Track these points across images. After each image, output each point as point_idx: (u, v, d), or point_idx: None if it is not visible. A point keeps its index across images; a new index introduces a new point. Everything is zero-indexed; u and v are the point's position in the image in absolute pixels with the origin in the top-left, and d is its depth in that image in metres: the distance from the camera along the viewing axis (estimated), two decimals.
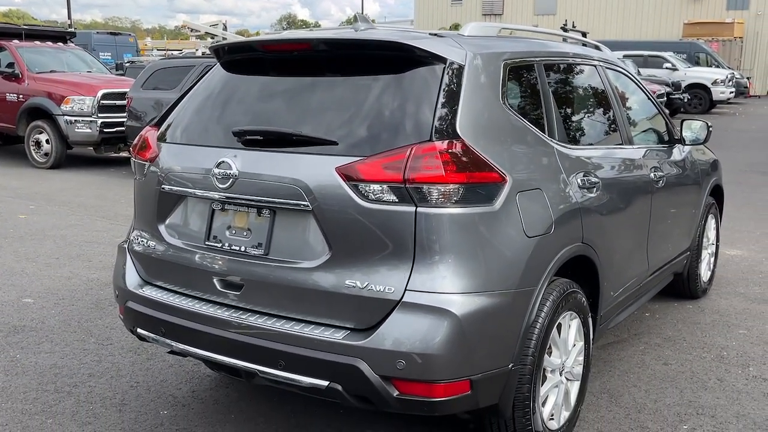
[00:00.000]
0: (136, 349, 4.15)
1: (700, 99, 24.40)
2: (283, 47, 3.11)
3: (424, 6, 47.94)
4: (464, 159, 2.58)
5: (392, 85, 2.73)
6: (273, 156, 2.78)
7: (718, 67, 27.26)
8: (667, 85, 20.63)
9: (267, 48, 3.13)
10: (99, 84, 11.43)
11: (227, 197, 2.85)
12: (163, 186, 3.07)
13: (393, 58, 2.77)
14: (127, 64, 18.05)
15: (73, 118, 11.02)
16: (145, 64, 12.80)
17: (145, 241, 3.17)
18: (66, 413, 3.42)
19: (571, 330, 3.13)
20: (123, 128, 10.78)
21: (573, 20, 6.52)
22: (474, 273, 2.57)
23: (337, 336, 2.58)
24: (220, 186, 2.84)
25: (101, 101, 11.09)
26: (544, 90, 3.23)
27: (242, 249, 2.83)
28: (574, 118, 3.62)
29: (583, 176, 3.22)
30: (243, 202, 2.83)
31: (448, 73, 2.72)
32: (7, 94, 11.62)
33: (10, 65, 11.76)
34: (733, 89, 25.32)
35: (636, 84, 4.43)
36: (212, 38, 30.63)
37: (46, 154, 11.38)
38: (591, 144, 3.65)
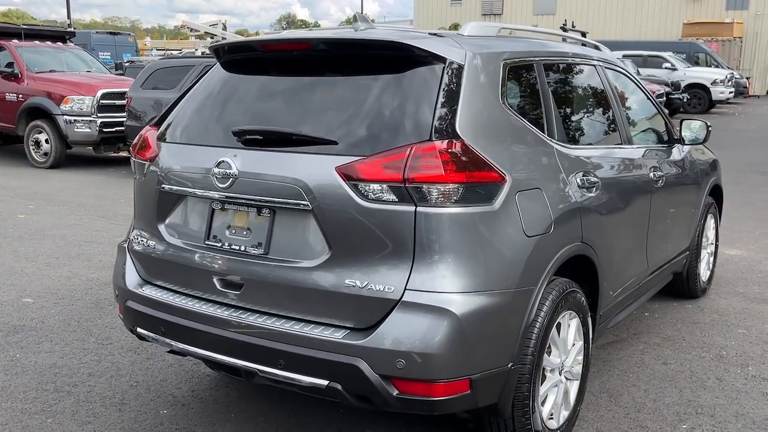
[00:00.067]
0: (136, 348, 4.15)
1: (699, 99, 24.41)
2: (283, 47, 3.11)
3: (423, 6, 47.95)
4: (464, 158, 2.58)
5: (392, 84, 2.73)
6: (273, 155, 2.78)
7: (717, 67, 27.28)
8: (667, 85, 20.64)
9: (267, 48, 3.14)
10: (98, 84, 11.44)
11: (227, 197, 2.86)
12: (162, 185, 3.07)
13: (393, 57, 2.77)
14: (127, 64, 18.07)
15: (72, 118, 11.02)
16: (145, 64, 12.81)
17: (145, 240, 3.17)
18: (66, 412, 3.43)
19: (570, 329, 3.13)
20: (122, 128, 10.79)
21: (572, 20, 6.53)
22: (473, 272, 2.57)
23: (337, 335, 2.58)
24: (220, 185, 2.84)
25: (101, 101, 11.09)
26: (543, 90, 3.23)
27: (242, 248, 2.84)
28: (573, 118, 3.63)
29: (583, 176, 3.22)
30: (243, 201, 2.83)
31: (447, 73, 2.72)
32: (7, 94, 11.63)
33: (10, 65, 11.76)
34: (733, 89, 25.34)
35: (635, 84, 4.44)
36: (212, 38, 30.65)
37: (45, 154, 11.38)
38: (590, 144, 3.65)
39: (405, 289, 2.52)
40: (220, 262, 2.88)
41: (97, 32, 29.53)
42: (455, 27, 35.06)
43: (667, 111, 5.92)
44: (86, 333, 4.41)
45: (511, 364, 2.71)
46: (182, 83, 9.59)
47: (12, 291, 5.19)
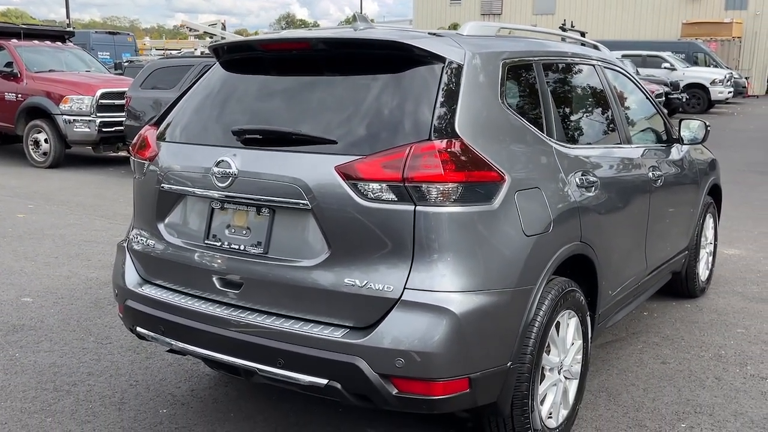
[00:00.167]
0: (136, 347, 4.16)
1: (698, 99, 24.42)
2: (283, 46, 3.11)
3: (422, 6, 47.96)
4: (463, 158, 2.59)
5: (391, 84, 2.73)
6: (272, 155, 2.79)
7: (716, 66, 27.29)
8: (666, 84, 20.64)
9: (266, 47, 3.14)
10: (98, 83, 11.43)
11: (227, 196, 2.86)
12: (162, 185, 3.07)
13: (392, 57, 2.78)
14: (126, 64, 18.08)
15: (71, 118, 11.02)
16: (144, 64, 12.81)
17: (145, 239, 3.18)
18: (65, 412, 3.43)
19: (569, 328, 3.14)
20: (122, 128, 10.79)
21: (572, 20, 6.54)
22: (473, 271, 2.57)
23: (336, 334, 2.59)
24: (220, 185, 2.85)
25: (100, 101, 11.09)
26: (542, 89, 3.23)
27: (242, 248, 2.84)
28: (572, 118, 3.63)
29: (582, 175, 3.23)
30: (242, 200, 2.83)
31: (447, 73, 2.73)
32: (6, 94, 11.62)
33: (9, 64, 11.75)
34: (732, 89, 25.35)
35: (634, 84, 4.44)
36: (211, 38, 30.63)
37: (44, 154, 11.37)
38: (589, 143, 3.66)
39: (404, 288, 2.53)
40: (219, 261, 2.89)
41: (96, 32, 29.53)
42: (454, 27, 35.05)
43: (666, 111, 5.93)
44: (85, 332, 4.41)
45: (510, 363, 2.71)
46: (181, 83, 9.59)
47: (11, 290, 5.19)
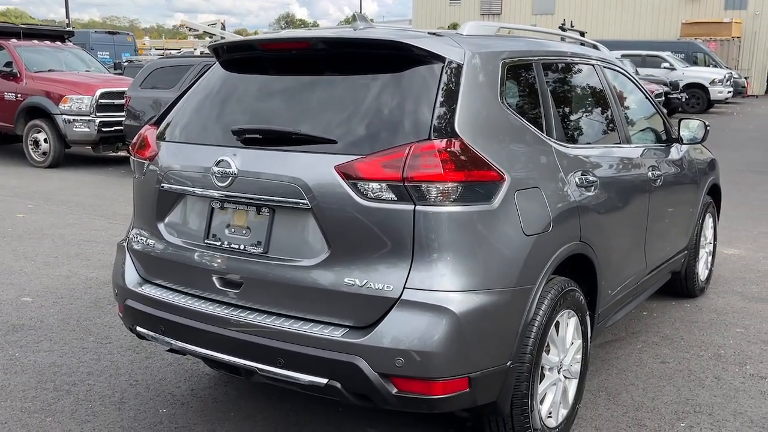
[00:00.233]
0: (135, 347, 4.16)
1: (698, 98, 24.43)
2: (282, 46, 3.12)
3: (422, 5, 47.96)
4: (463, 157, 2.59)
5: (391, 83, 2.73)
6: (272, 154, 2.79)
7: (715, 66, 27.29)
8: (665, 84, 20.64)
9: (266, 47, 3.14)
10: (97, 83, 11.43)
11: (226, 196, 2.86)
12: (162, 184, 3.08)
13: (392, 57, 2.78)
14: (126, 64, 18.07)
15: (71, 117, 11.02)
16: (144, 64, 12.80)
17: (145, 239, 3.18)
18: (65, 411, 3.43)
19: (569, 328, 3.14)
20: (121, 127, 10.79)
21: (571, 20, 6.54)
22: (472, 271, 2.58)
23: (336, 334, 2.59)
24: (220, 184, 2.85)
25: (99, 100, 11.09)
26: (542, 89, 3.24)
27: (241, 247, 2.84)
28: (572, 117, 3.63)
29: (581, 175, 3.23)
30: (242, 200, 2.83)
31: (446, 72, 2.73)
32: (5, 93, 11.62)
33: (8, 64, 11.75)
34: (731, 89, 25.35)
35: (634, 83, 4.45)
36: (210, 37, 30.62)
37: (44, 153, 11.37)
38: (589, 143, 3.66)
39: (404, 287, 2.53)
40: (219, 260, 2.89)
41: (95, 32, 29.53)
42: (454, 26, 35.05)
43: (665, 110, 5.93)
44: (85, 332, 4.41)
45: (509, 362, 2.72)
46: (181, 83, 9.59)
47: (11, 290, 5.19)
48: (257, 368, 2.73)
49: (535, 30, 4.02)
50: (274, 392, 3.62)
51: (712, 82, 24.46)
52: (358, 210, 2.58)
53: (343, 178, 2.59)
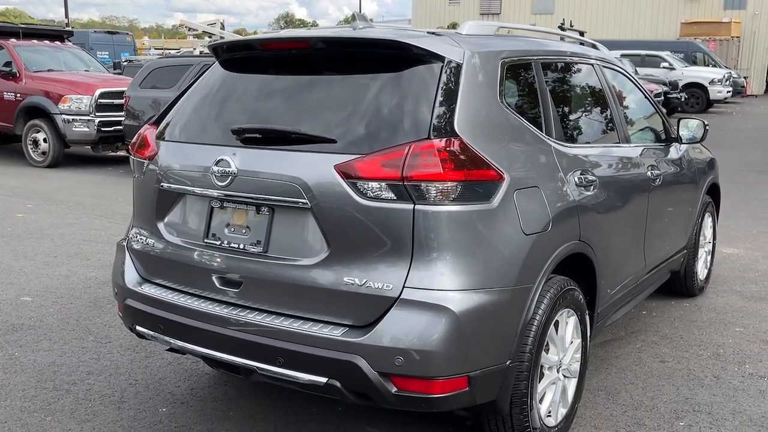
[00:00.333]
0: (135, 347, 4.16)
1: (697, 98, 24.44)
2: (282, 46, 3.12)
3: (421, 5, 47.95)
4: (462, 157, 2.59)
5: (390, 83, 2.74)
6: (272, 154, 2.79)
7: (715, 66, 27.30)
8: (665, 84, 20.65)
9: (265, 46, 3.15)
10: (96, 83, 11.43)
11: (226, 195, 2.86)
12: (161, 184, 3.08)
13: (391, 56, 2.78)
14: (125, 63, 18.07)
15: (70, 117, 11.01)
16: (143, 63, 12.80)
17: (144, 238, 3.18)
18: (65, 411, 3.43)
19: (568, 327, 3.14)
20: (120, 127, 10.79)
21: (570, 19, 6.55)
22: (472, 270, 2.58)
23: (336, 333, 2.59)
24: (219, 184, 2.85)
25: (99, 100, 11.09)
26: (541, 88, 3.24)
27: (241, 246, 2.84)
28: (571, 117, 3.64)
29: (581, 174, 3.23)
30: (242, 199, 2.84)
31: (446, 72, 2.73)
32: (5, 93, 11.62)
33: (8, 64, 11.75)
34: (730, 88, 25.36)
35: (633, 83, 4.45)
36: (210, 37, 30.61)
37: (43, 153, 11.37)
38: (588, 142, 3.67)
39: (403, 286, 2.53)
40: (219, 260, 2.89)
41: (95, 31, 29.51)
42: (453, 26, 35.05)
43: (664, 110, 5.94)
44: (85, 331, 4.41)
45: (509, 361, 2.72)
46: (180, 82, 9.59)
47: (11, 290, 5.19)
48: (257, 367, 2.73)
49: (535, 30, 4.03)
50: (274, 391, 3.62)
51: (712, 82, 24.47)
52: (357, 209, 2.58)
53: (342, 178, 2.59)
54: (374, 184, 2.55)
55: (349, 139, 2.67)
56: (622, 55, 21.28)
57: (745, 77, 31.63)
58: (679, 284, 5.10)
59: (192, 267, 2.97)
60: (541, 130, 3.11)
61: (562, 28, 4.46)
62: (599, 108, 3.91)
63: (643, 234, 4.00)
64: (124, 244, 3.33)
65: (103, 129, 11.12)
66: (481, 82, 2.83)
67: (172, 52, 28.85)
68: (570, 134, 3.46)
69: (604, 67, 4.00)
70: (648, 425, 3.36)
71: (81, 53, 13.62)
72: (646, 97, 4.55)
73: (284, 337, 2.65)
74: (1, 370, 3.86)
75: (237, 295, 2.84)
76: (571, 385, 3.23)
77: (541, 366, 2.94)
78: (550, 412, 3.07)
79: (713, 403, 3.59)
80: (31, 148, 11.48)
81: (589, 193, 3.26)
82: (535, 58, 3.29)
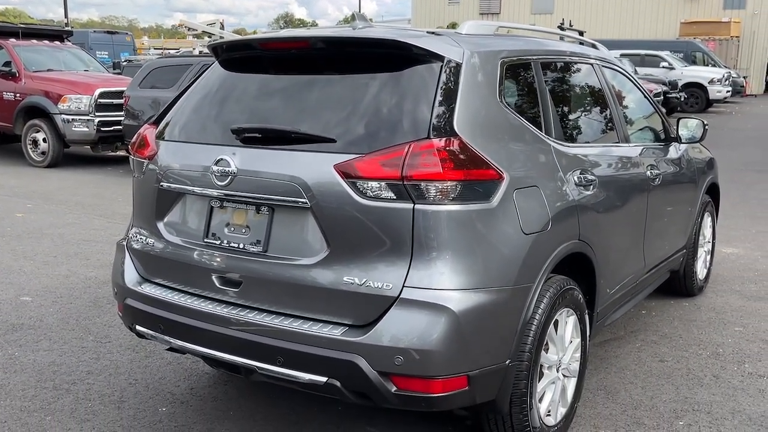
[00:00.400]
0: (135, 346, 4.16)
1: (696, 98, 24.44)
2: (282, 45, 3.12)
3: (421, 5, 47.95)
4: (462, 156, 2.59)
5: (390, 82, 2.74)
6: (271, 153, 2.79)
7: (714, 66, 27.31)
8: (664, 84, 20.65)
9: (265, 46, 3.15)
10: (96, 83, 11.43)
11: (226, 194, 2.86)
12: (161, 183, 3.08)
13: (391, 56, 2.78)
14: (124, 63, 18.06)
15: (70, 117, 11.01)
16: (142, 63, 12.80)
17: (144, 238, 3.18)
18: (65, 410, 3.43)
19: (567, 327, 3.15)
20: (120, 127, 10.78)
21: (570, 19, 6.56)
22: (471, 270, 2.58)
23: (336, 332, 2.59)
24: (219, 183, 2.85)
25: (98, 100, 11.09)
26: (541, 88, 3.24)
27: (241, 246, 2.84)
28: (570, 116, 3.64)
29: (580, 174, 3.24)
30: (242, 199, 2.84)
31: (445, 71, 2.73)
32: (4, 93, 11.62)
33: (7, 64, 11.75)
34: (730, 88, 25.36)
35: (633, 83, 4.45)
36: (209, 37, 30.62)
37: (43, 153, 11.37)
38: (588, 142, 3.67)
39: (403, 286, 2.53)
40: (218, 259, 2.89)
41: (94, 31, 29.48)
42: (453, 26, 35.04)
43: (664, 110, 5.94)
44: (85, 331, 4.42)
45: (508, 360, 2.72)
46: (180, 82, 9.60)
47: (10, 289, 5.19)
48: (257, 367, 2.73)
49: (534, 29, 4.03)
50: (274, 391, 3.62)
51: (711, 82, 24.48)
52: (357, 209, 2.58)
53: (342, 177, 2.60)
54: (374, 184, 2.56)
55: (349, 139, 2.67)
56: (622, 55, 21.31)
57: (744, 77, 31.62)
58: (679, 284, 5.10)
59: (192, 266, 2.97)
60: (541, 130, 3.11)
61: (561, 27, 4.47)
62: (599, 108, 3.91)
63: (642, 233, 4.01)
64: (124, 243, 3.33)
65: (102, 129, 11.12)
66: (480, 81, 2.84)
67: (172, 51, 28.85)
68: (569, 134, 3.46)
69: (603, 66, 4.01)
70: (647, 424, 3.37)
71: (80, 53, 13.62)
72: (645, 96, 4.55)
73: (284, 337, 2.65)
74: (0, 370, 3.86)
75: (237, 294, 2.84)
76: (571, 385, 3.23)
77: (541, 365, 2.94)
78: (549, 412, 3.08)
79: (712, 403, 3.59)
80: (31, 148, 11.48)
81: (588, 192, 3.26)
82: (534, 57, 3.29)
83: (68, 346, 4.18)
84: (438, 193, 2.53)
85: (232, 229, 2.89)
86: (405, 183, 2.52)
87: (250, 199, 2.82)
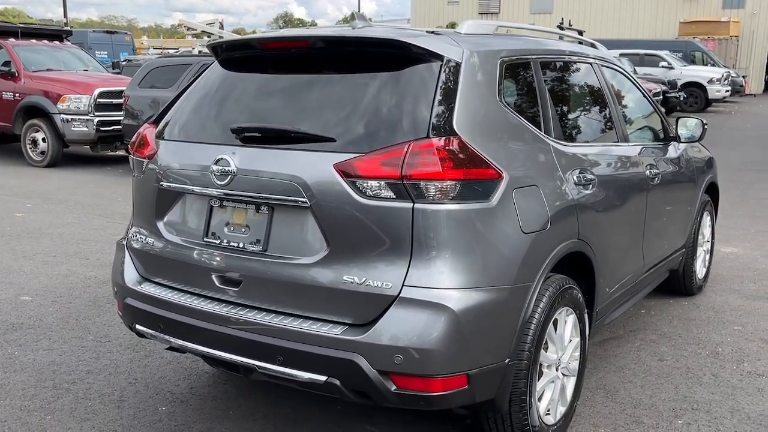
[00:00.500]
0: (134, 346, 4.16)
1: (696, 97, 24.45)
2: (281, 45, 3.12)
3: (420, 5, 47.94)
4: (461, 155, 2.60)
5: (389, 82, 2.74)
6: (271, 153, 2.80)
7: (713, 65, 27.31)
8: (664, 83, 20.66)
9: (265, 46, 3.15)
10: (95, 82, 11.43)
11: (226, 194, 2.87)
12: (161, 183, 3.08)
13: (390, 55, 2.79)
14: (124, 63, 18.06)
15: (69, 117, 11.01)
16: (142, 63, 12.80)
17: (144, 238, 3.18)
18: (65, 410, 3.43)
19: (567, 326, 3.15)
20: (119, 127, 10.78)
21: (569, 19, 6.56)
22: (471, 269, 2.59)
23: (335, 331, 2.60)
24: (219, 183, 2.86)
25: (98, 100, 11.08)
26: (540, 87, 3.25)
27: (241, 245, 2.85)
28: (570, 116, 3.64)
29: (579, 173, 3.24)
30: (241, 198, 2.84)
31: (445, 71, 2.73)
32: (4, 93, 11.61)
33: (7, 63, 11.74)
34: (729, 88, 25.37)
35: (632, 82, 4.46)
36: (209, 37, 30.61)
37: (42, 153, 11.37)
38: (587, 141, 3.67)
39: (403, 285, 2.54)
40: (218, 259, 2.89)
41: (93, 31, 29.45)
42: (452, 26, 35.00)
43: (663, 109, 5.94)
44: (84, 331, 4.42)
45: (508, 359, 2.73)
46: (179, 82, 9.60)
47: (10, 289, 5.20)
48: (256, 366, 2.74)
49: (534, 29, 4.03)
50: (274, 390, 3.62)
51: (710, 81, 24.48)
52: (356, 208, 2.58)
53: (341, 176, 2.60)
54: (373, 183, 2.56)
55: (349, 138, 2.67)
56: (621, 55, 21.31)
57: (743, 76, 31.60)
58: (678, 283, 5.11)
59: (191, 266, 2.97)
60: (540, 129, 3.11)
61: (560, 27, 4.47)
62: (598, 107, 3.91)
63: (641, 233, 4.01)
64: (124, 243, 3.33)
65: (102, 128, 11.11)
66: (480, 81, 2.84)
67: (171, 51, 28.84)
68: (569, 133, 3.47)
69: (602, 66, 4.01)
70: (647, 423, 3.37)
71: (80, 53, 13.62)
72: (644, 96, 4.56)
73: (284, 336, 2.66)
74: (0, 369, 3.86)
75: (236, 293, 2.84)
76: (570, 384, 3.24)
77: (540, 364, 2.95)
78: (549, 411, 3.08)
79: (712, 402, 3.60)
80: (30, 148, 11.48)
81: (587, 191, 3.26)
82: (534, 57, 3.29)
83: (68, 346, 4.19)
84: (437, 193, 2.53)
85: (232, 228, 2.89)
86: (404, 182, 2.52)
87: (249, 199, 2.82)
